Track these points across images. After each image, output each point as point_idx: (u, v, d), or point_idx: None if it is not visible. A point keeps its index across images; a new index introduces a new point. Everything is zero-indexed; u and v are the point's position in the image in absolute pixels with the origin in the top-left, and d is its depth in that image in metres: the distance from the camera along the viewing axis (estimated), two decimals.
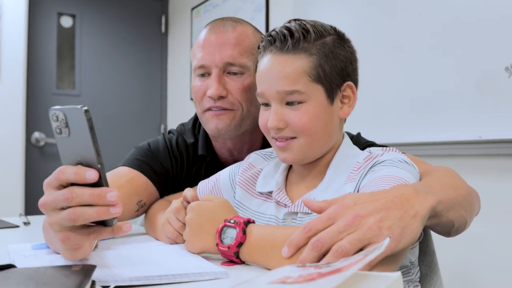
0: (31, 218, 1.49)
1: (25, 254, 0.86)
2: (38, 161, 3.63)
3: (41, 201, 0.68)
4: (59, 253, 0.83)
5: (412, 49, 2.02)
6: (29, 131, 3.53)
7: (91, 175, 0.65)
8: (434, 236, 1.09)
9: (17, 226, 1.37)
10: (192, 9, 3.76)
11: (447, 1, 1.89)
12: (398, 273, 0.60)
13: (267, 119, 0.94)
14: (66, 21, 3.81)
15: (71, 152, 0.68)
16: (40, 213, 1.55)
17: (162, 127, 4.09)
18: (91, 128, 0.64)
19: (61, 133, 0.67)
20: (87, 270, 0.62)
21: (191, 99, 3.69)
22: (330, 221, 0.69)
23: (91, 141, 0.64)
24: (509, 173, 1.75)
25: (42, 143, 3.63)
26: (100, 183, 0.66)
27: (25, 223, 1.41)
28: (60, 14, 3.77)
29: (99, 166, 0.65)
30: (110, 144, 3.67)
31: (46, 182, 0.69)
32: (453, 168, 0.98)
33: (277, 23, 2.85)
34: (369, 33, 2.22)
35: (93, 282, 0.62)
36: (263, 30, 2.91)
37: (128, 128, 3.90)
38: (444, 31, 1.89)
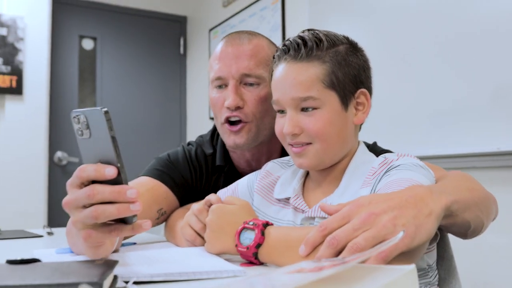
0: (54, 229, 1.53)
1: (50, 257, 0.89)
2: (60, 179, 3.69)
3: (65, 200, 0.70)
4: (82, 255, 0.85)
5: (427, 62, 2.04)
6: (52, 151, 3.61)
7: (110, 171, 0.67)
8: (454, 245, 1.09)
9: (41, 236, 1.41)
10: (210, 30, 3.84)
11: (461, 14, 1.90)
12: (413, 266, 0.61)
13: (283, 126, 0.96)
14: (88, 44, 3.91)
15: (92, 153, 0.70)
16: (62, 225, 1.59)
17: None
18: (111, 129, 0.66)
19: (82, 134, 0.70)
20: (110, 263, 0.64)
21: (211, 118, 3.74)
22: (345, 219, 0.71)
23: (111, 141, 0.66)
24: None
25: (64, 162, 3.70)
26: (120, 182, 0.68)
27: (48, 233, 1.44)
28: (82, 37, 3.87)
29: (118, 165, 0.67)
30: (131, 162, 3.72)
31: (68, 182, 0.71)
32: None
33: None
34: (384, 48, 2.24)
35: (115, 277, 0.64)
36: None
37: (149, 147, 3.95)
38: (458, 43, 1.91)
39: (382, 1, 2.27)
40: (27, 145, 3.29)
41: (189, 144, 1.36)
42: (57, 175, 3.68)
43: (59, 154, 3.68)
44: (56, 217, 3.50)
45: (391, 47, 2.22)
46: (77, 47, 3.82)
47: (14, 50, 3.24)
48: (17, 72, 3.24)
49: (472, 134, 1.85)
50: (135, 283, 0.68)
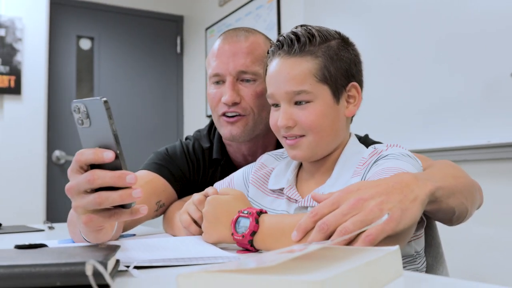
0: (54, 224, 1.57)
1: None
2: (58, 178, 3.72)
3: (67, 186, 0.73)
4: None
5: (420, 59, 2.08)
6: (50, 150, 3.64)
7: (109, 154, 0.70)
8: (444, 236, 1.13)
9: (42, 230, 1.44)
10: (206, 29, 3.87)
11: (453, 12, 1.95)
12: (396, 247, 0.65)
13: (277, 119, 0.99)
14: (85, 44, 3.94)
15: (92, 142, 0.73)
16: (60, 222, 1.62)
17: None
18: (110, 117, 0.69)
19: (82, 124, 0.73)
20: (112, 247, 0.68)
21: (207, 116, 3.78)
22: (335, 205, 0.74)
23: (110, 129, 0.70)
24: None
25: (62, 161, 3.73)
26: (119, 168, 0.71)
27: (49, 227, 1.48)
28: (79, 37, 3.90)
29: (118, 152, 0.71)
30: (128, 160, 3.74)
31: (69, 169, 0.74)
32: None
33: None
34: (378, 46, 2.28)
35: (117, 260, 0.68)
36: None
37: (146, 145, 3.99)
38: (450, 41, 1.95)
39: (376, 0, 2.31)
40: (25, 144, 3.32)
41: (186, 138, 1.40)
42: (55, 174, 3.71)
43: (57, 153, 3.72)
44: (55, 214, 3.53)
45: (385, 45, 2.26)
46: (75, 47, 3.85)
47: (13, 51, 3.27)
48: (15, 72, 3.27)
49: (463, 128, 1.89)
50: (136, 267, 0.72)
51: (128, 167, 0.74)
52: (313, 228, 0.75)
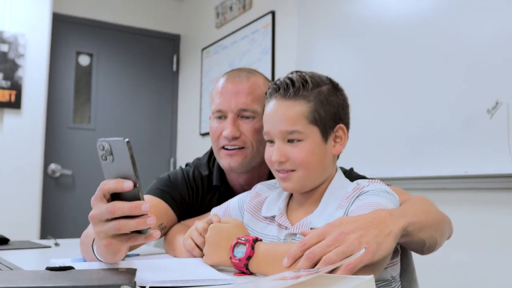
0: (57, 240, 1.67)
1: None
2: (53, 191, 3.81)
3: (90, 214, 0.85)
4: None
5: (405, 89, 2.23)
6: (46, 163, 3.73)
7: (128, 184, 0.81)
8: (422, 261, 1.26)
9: (49, 247, 1.55)
10: (203, 49, 4.01)
11: (439, 48, 2.09)
12: (371, 276, 0.77)
13: (271, 154, 1.12)
14: (84, 60, 4.06)
15: (113, 175, 0.85)
16: (54, 235, 1.71)
17: (172, 160, 4.29)
18: (132, 156, 0.81)
19: (106, 159, 0.84)
20: (132, 271, 0.79)
21: (201, 134, 3.89)
22: (321, 237, 0.87)
23: (132, 166, 0.81)
24: (493, 205, 1.92)
25: (57, 174, 3.82)
26: (137, 197, 0.83)
27: (56, 244, 1.58)
28: (79, 53, 4.02)
29: (137, 185, 0.82)
30: None
31: (92, 198, 0.86)
32: (441, 201, 1.15)
33: (282, 65, 3.08)
34: (366, 74, 2.43)
35: (134, 282, 0.79)
36: (269, 72, 3.13)
37: (140, 161, 4.09)
38: (435, 75, 2.10)
39: (368, 28, 2.46)
40: (23, 157, 3.41)
41: (187, 165, 1.51)
42: (51, 187, 3.80)
43: (53, 166, 3.81)
44: (48, 227, 3.62)
45: (375, 72, 2.40)
46: (74, 63, 3.96)
47: (15, 66, 3.37)
48: (16, 87, 3.37)
49: (443, 158, 2.03)
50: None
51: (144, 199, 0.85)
52: (301, 256, 0.87)
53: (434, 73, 2.10)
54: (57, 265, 0.86)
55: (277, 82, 1.14)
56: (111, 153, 0.83)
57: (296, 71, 1.16)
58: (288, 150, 1.10)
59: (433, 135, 2.08)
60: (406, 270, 1.20)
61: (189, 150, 4.10)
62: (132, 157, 0.81)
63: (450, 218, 1.14)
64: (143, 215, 0.83)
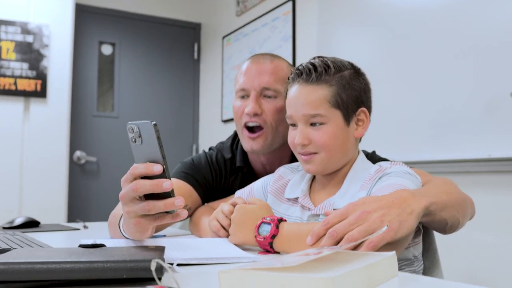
0: (87, 223, 1.72)
1: None
2: (79, 177, 3.89)
3: (120, 194, 0.89)
4: None
5: (428, 74, 2.21)
6: (71, 150, 3.81)
7: (158, 168, 0.84)
8: (446, 241, 1.27)
9: (78, 229, 1.60)
10: (223, 37, 4.02)
11: (462, 27, 2.08)
12: (393, 252, 0.79)
13: (294, 137, 1.14)
14: (107, 49, 4.11)
15: (142, 157, 0.88)
16: (83, 219, 1.76)
17: (194, 147, 4.34)
18: (159, 138, 0.84)
19: (135, 141, 0.87)
20: (160, 248, 0.82)
21: (222, 121, 3.92)
22: (344, 216, 0.89)
23: (159, 147, 0.84)
24: None
25: (83, 161, 3.90)
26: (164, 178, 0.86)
27: (84, 227, 1.63)
28: (101, 43, 4.07)
29: (164, 166, 0.85)
30: None
31: (122, 179, 0.89)
32: (464, 184, 1.16)
33: (302, 52, 3.08)
34: (387, 60, 2.42)
35: (163, 258, 0.82)
36: (290, 59, 3.13)
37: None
38: (456, 59, 2.08)
39: (388, 14, 2.44)
40: (49, 145, 3.49)
41: (210, 149, 1.55)
42: (76, 174, 3.88)
43: (78, 153, 3.89)
44: (75, 212, 3.70)
45: (396, 57, 2.39)
46: (97, 52, 4.02)
47: (40, 56, 3.44)
48: (41, 76, 3.44)
49: (466, 142, 2.02)
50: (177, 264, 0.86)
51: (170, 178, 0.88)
52: (324, 234, 0.90)
53: (456, 56, 2.08)
54: (89, 243, 0.89)
55: (300, 68, 1.16)
56: (140, 136, 0.86)
57: (318, 57, 1.17)
58: (310, 133, 1.12)
59: (456, 118, 2.07)
60: (428, 250, 1.21)
61: (211, 137, 4.14)
62: (159, 139, 0.84)
63: (472, 200, 1.14)
64: (171, 195, 0.86)
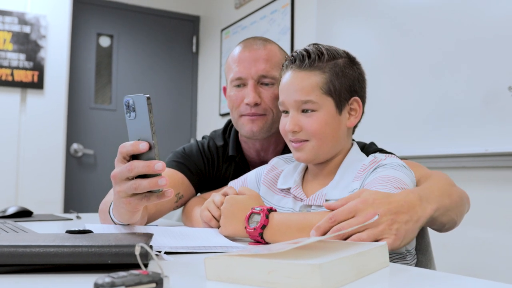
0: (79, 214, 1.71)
1: None
2: (75, 170, 3.88)
3: (113, 173, 0.89)
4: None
5: (426, 67, 2.20)
6: (68, 142, 3.80)
7: (143, 146, 0.85)
8: (443, 240, 1.25)
9: (71, 219, 1.58)
10: (222, 30, 4.00)
11: (460, 21, 2.06)
12: (384, 242, 0.78)
13: (286, 124, 1.12)
14: (105, 41, 4.09)
15: (135, 132, 0.87)
16: (78, 210, 1.75)
17: (192, 140, 4.32)
18: (150, 112, 0.83)
19: (130, 115, 0.87)
20: (148, 235, 0.81)
21: (220, 114, 3.91)
22: (352, 213, 0.86)
23: (149, 122, 0.83)
24: None
25: (80, 154, 3.89)
26: (153, 157, 0.85)
27: (77, 217, 1.62)
28: (99, 35, 4.05)
29: (153, 142, 0.84)
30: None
31: (115, 160, 0.90)
32: (461, 179, 1.16)
33: (301, 44, 3.06)
34: (385, 54, 2.40)
35: (151, 246, 0.81)
36: (288, 51, 3.11)
37: (160, 141, 4.13)
38: (454, 53, 2.07)
39: (386, 6, 2.43)
40: (46, 137, 3.48)
41: (203, 137, 1.54)
42: (73, 166, 3.87)
43: (75, 146, 3.87)
44: (71, 205, 3.69)
45: (394, 51, 2.38)
46: (95, 44, 4.00)
47: (37, 47, 3.42)
48: (39, 67, 3.42)
49: (463, 136, 2.01)
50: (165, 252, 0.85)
51: (160, 156, 0.87)
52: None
53: (454, 50, 2.06)
54: (76, 229, 0.88)
55: (294, 54, 1.15)
56: (134, 109, 0.85)
57: (314, 44, 1.16)
58: (302, 120, 1.11)
59: (453, 112, 2.05)
60: (421, 244, 1.20)
61: (208, 130, 4.09)
62: (150, 112, 0.83)
63: (468, 194, 1.13)
64: (158, 175, 0.86)
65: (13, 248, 0.66)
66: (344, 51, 1.17)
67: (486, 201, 1.94)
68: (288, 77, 1.13)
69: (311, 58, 1.11)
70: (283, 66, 1.18)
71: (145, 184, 0.85)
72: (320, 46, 1.14)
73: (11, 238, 0.73)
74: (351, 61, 1.15)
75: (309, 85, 1.09)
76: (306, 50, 1.13)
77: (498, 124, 1.89)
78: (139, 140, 0.87)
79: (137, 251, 0.62)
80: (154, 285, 0.57)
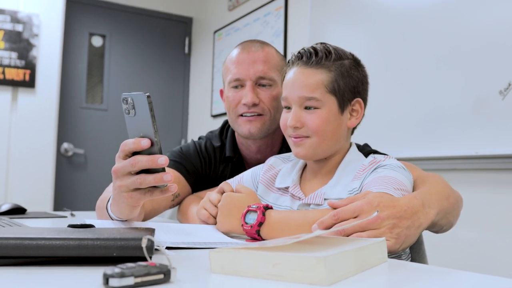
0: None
1: None
2: (66, 170, 3.86)
3: (114, 168, 0.89)
4: None
5: (418, 72, 2.23)
6: (59, 142, 3.78)
7: (145, 142, 0.85)
8: (435, 241, 1.27)
9: (65, 217, 1.58)
10: (215, 32, 4.01)
11: (450, 30, 2.09)
12: (383, 238, 0.79)
13: (287, 119, 1.14)
14: (97, 41, 4.08)
15: (135, 129, 0.88)
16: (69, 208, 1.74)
17: (183, 141, 4.32)
18: (151, 110, 0.83)
19: (129, 113, 0.86)
20: (150, 229, 0.82)
21: (212, 116, 3.91)
22: (356, 213, 0.88)
23: (151, 120, 0.84)
24: (503, 186, 1.93)
25: (70, 153, 3.87)
26: (155, 153, 0.85)
27: (71, 215, 1.62)
28: (92, 34, 4.04)
29: (155, 139, 0.85)
30: None
31: (116, 156, 0.90)
32: (452, 181, 1.18)
33: (294, 47, 3.08)
34: (377, 57, 2.43)
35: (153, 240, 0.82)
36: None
37: None
38: (446, 57, 2.10)
39: (380, 10, 2.46)
40: (37, 136, 3.46)
41: (200, 138, 1.55)
42: (64, 166, 3.85)
43: (65, 145, 3.85)
44: (61, 204, 3.67)
45: (387, 54, 2.40)
46: (87, 43, 3.99)
47: (29, 46, 3.41)
48: (30, 66, 3.41)
49: (454, 139, 2.04)
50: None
51: (163, 152, 0.88)
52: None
53: (446, 54, 2.09)
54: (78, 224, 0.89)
55: (301, 51, 1.16)
56: (133, 107, 0.85)
57: (321, 43, 1.18)
58: (304, 117, 1.12)
59: (445, 115, 2.08)
60: (415, 243, 1.21)
61: (200, 131, 4.12)
62: (151, 110, 0.83)
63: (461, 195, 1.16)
64: (161, 170, 0.86)
65: (19, 241, 0.66)
66: (351, 53, 1.19)
67: (476, 202, 1.97)
68: (294, 73, 1.14)
69: (318, 56, 1.12)
70: (288, 62, 1.19)
71: (150, 179, 0.85)
72: (328, 46, 1.16)
73: (16, 231, 0.73)
74: (357, 63, 1.17)
75: (314, 82, 1.11)
76: (314, 48, 1.14)
77: (489, 127, 1.92)
78: (140, 137, 0.87)
79: (144, 243, 0.63)
80: (162, 276, 0.58)
